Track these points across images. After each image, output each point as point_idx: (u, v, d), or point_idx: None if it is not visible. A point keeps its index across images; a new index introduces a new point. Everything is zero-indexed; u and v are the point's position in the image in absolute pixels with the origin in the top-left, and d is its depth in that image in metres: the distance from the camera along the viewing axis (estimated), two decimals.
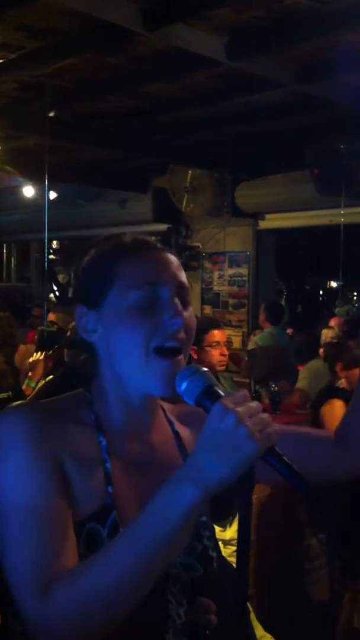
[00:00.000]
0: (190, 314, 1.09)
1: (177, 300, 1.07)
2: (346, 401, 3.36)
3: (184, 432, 1.18)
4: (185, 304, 1.08)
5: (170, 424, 1.18)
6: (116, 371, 1.08)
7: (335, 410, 3.39)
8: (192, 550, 1.10)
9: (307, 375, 5.36)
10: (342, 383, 3.62)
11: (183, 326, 1.06)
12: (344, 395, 3.42)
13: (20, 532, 0.95)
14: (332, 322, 6.81)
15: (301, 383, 5.38)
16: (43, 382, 3.88)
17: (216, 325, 3.58)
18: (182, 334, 1.06)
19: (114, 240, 1.13)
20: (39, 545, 0.94)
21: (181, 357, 1.06)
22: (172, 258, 1.12)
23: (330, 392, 3.63)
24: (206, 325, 3.53)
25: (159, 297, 1.06)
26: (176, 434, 1.17)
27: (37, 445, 0.99)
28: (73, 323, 1.18)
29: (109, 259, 1.09)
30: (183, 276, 1.11)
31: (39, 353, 4.47)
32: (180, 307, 1.07)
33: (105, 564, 0.91)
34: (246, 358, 6.08)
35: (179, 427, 1.18)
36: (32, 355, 5.07)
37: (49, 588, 0.90)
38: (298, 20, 3.42)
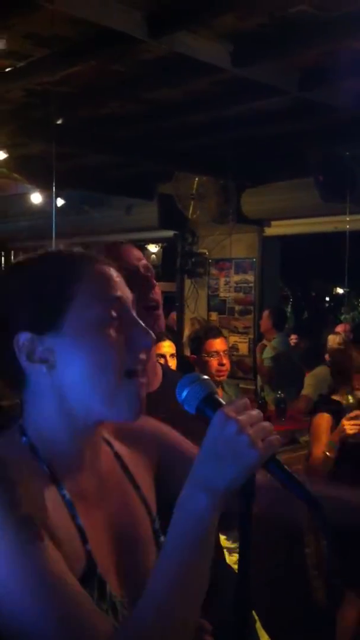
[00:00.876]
0: None
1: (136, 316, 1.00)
2: (333, 414, 3.32)
3: (123, 451, 1.12)
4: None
5: (109, 444, 1.11)
6: (69, 403, 0.97)
7: (321, 424, 3.33)
8: None
9: (312, 382, 5.36)
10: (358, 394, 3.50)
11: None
12: (335, 408, 3.38)
13: (40, 603, 0.85)
14: (339, 328, 6.80)
15: (307, 390, 5.38)
16: None
17: (215, 334, 3.49)
18: (144, 354, 0.99)
19: (50, 254, 1.01)
20: (64, 611, 0.86)
21: (144, 379, 1.00)
22: (116, 272, 1.02)
23: (323, 402, 3.57)
24: (205, 334, 3.49)
25: (122, 312, 0.98)
26: (116, 455, 1.11)
27: (20, 515, 0.88)
28: None
29: (60, 274, 0.97)
30: (128, 291, 1.03)
31: None
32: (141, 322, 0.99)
33: (152, 605, 0.88)
34: (266, 365, 6.09)
35: (118, 447, 1.12)
36: None
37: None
38: (301, 27, 3.44)
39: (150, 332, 0.99)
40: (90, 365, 0.95)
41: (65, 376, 0.95)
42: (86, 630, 0.86)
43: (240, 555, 0.95)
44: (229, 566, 2.02)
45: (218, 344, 3.40)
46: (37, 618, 0.84)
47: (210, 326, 4.40)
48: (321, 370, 5.24)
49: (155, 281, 1.72)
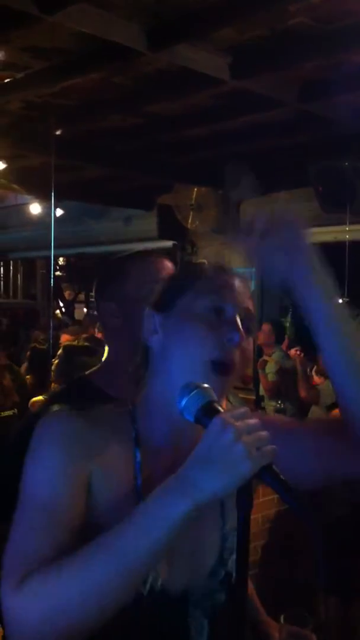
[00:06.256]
0: (249, 343, 1.13)
1: (239, 320, 1.10)
2: None
3: None
4: (247, 332, 1.11)
5: None
6: (168, 377, 1.08)
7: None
8: (215, 575, 1.08)
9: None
10: None
11: (239, 347, 1.08)
12: None
13: (25, 521, 0.98)
14: None
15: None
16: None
17: None
18: (236, 355, 1.08)
19: (191, 264, 1.28)
20: (35, 539, 0.95)
21: (231, 378, 1.07)
22: (242, 286, 1.18)
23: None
24: None
25: (223, 312, 1.10)
26: None
27: (69, 450, 1.02)
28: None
29: (188, 274, 1.21)
30: (250, 304, 1.16)
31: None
32: (241, 326, 1.10)
33: (84, 568, 0.89)
34: (270, 380, 6.07)
35: None
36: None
37: (25, 579, 0.89)
38: (301, 39, 3.44)
39: (240, 331, 1.09)
40: (179, 347, 1.08)
41: (165, 352, 1.11)
42: (37, 553, 0.93)
43: (237, 570, 0.95)
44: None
45: None
46: (17, 527, 0.98)
47: None
48: (329, 382, 5.20)
49: None
